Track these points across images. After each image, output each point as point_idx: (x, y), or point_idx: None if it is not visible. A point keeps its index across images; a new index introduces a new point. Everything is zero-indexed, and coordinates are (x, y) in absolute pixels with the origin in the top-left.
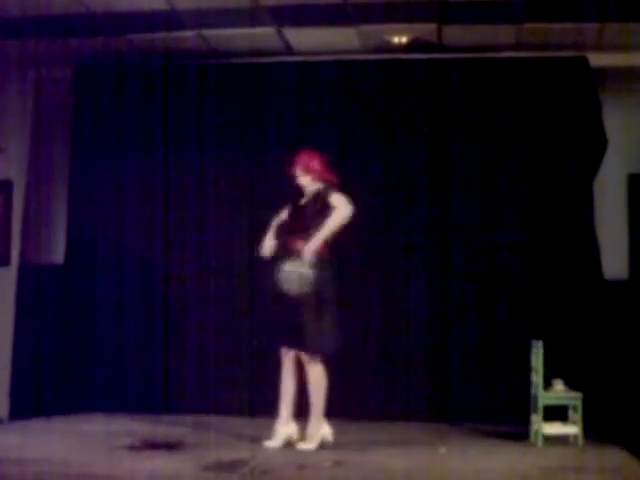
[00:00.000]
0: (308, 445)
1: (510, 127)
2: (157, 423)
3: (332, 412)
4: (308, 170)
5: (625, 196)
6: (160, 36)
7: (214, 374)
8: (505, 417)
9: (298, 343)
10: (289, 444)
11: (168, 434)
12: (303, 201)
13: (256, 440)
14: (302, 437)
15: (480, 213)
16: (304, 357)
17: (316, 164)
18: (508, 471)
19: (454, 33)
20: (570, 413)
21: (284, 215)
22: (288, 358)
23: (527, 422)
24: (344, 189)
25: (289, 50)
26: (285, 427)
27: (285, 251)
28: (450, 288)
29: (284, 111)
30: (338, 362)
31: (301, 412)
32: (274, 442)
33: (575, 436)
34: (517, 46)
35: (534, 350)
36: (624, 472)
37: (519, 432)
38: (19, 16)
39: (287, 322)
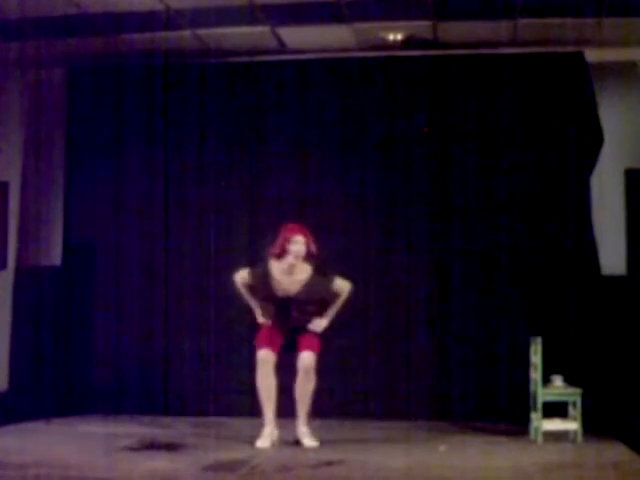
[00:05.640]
0: (315, 442)
1: (507, 123)
2: (156, 425)
3: (333, 412)
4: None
5: (623, 191)
6: (156, 36)
7: (214, 375)
8: (505, 414)
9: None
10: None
11: (167, 435)
12: (301, 276)
13: (255, 441)
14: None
15: (478, 209)
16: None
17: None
18: (508, 468)
19: (450, 29)
20: (569, 409)
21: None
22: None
23: (527, 419)
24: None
25: (285, 49)
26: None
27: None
28: (450, 286)
29: (282, 109)
30: (339, 362)
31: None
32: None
33: (575, 432)
34: (514, 42)
35: (533, 346)
36: (624, 467)
37: (519, 429)
38: (15, 18)
39: None
